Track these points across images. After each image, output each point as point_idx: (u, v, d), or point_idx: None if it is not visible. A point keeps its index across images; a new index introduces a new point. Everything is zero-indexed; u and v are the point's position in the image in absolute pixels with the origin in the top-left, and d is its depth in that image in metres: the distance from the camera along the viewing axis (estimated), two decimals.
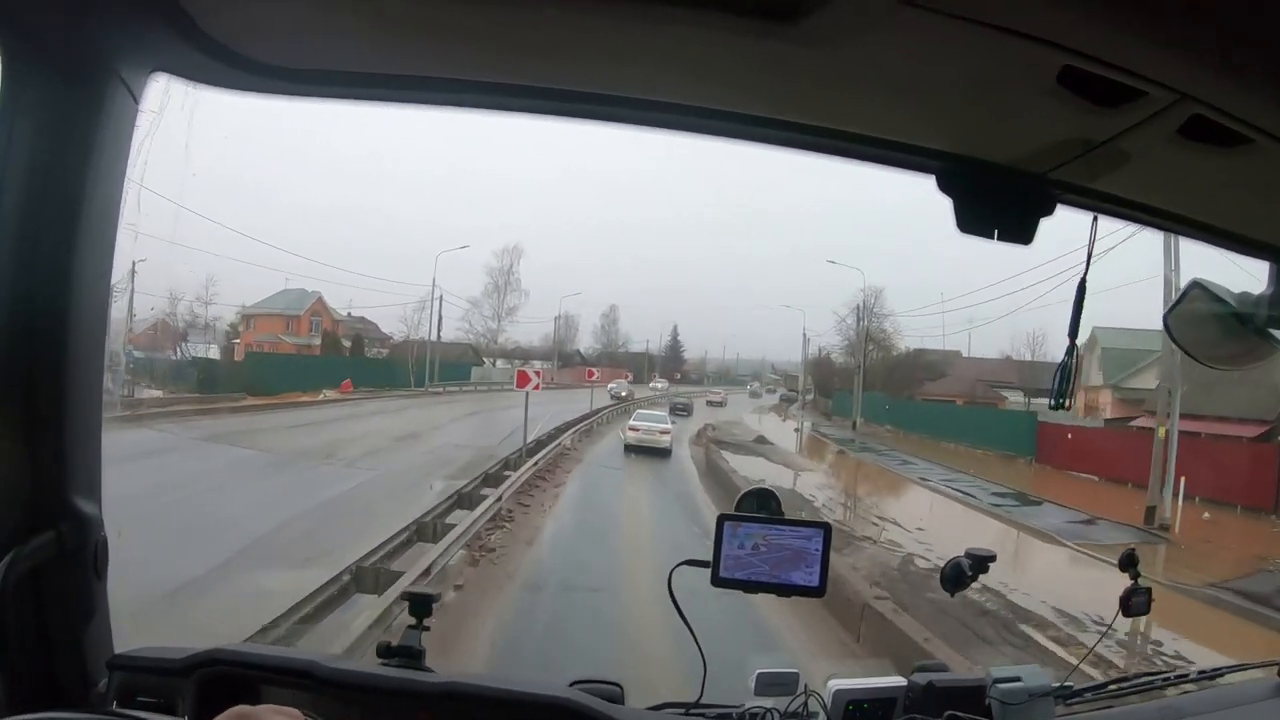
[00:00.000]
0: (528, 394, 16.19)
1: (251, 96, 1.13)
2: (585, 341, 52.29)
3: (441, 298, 36.91)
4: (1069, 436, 24.68)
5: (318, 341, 36.16)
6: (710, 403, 41.83)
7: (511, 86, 1.11)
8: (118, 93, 1.10)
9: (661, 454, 19.72)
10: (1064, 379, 1.27)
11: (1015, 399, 34.17)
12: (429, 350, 35.58)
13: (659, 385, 41.92)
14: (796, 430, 34.22)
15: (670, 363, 55.47)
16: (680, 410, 32.10)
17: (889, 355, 41.24)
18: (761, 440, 26.81)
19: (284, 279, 34.92)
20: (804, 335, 44.62)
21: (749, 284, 74.11)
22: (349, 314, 38.85)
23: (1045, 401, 30.48)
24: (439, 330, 36.91)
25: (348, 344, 37.00)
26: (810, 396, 48.74)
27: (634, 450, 19.86)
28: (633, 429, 20.96)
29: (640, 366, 51.17)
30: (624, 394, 37.87)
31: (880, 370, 40.81)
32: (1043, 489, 20.10)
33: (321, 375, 29.69)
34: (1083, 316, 1.28)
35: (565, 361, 47.81)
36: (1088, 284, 1.27)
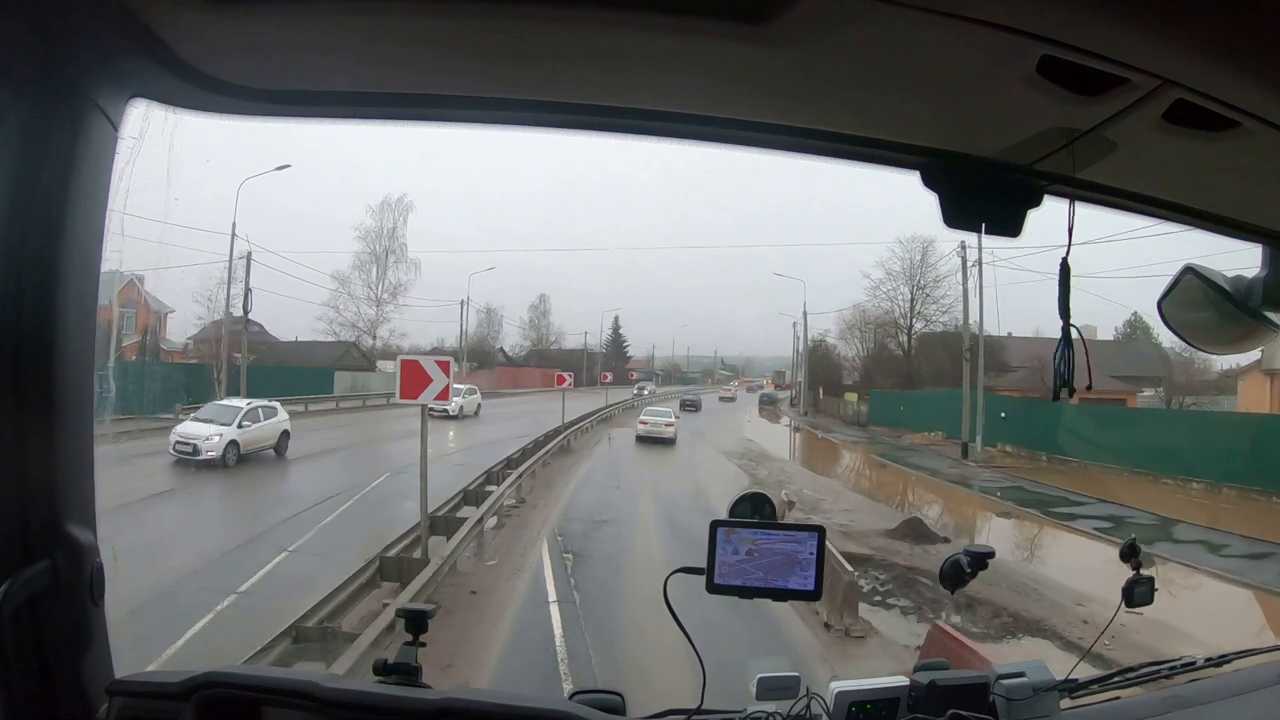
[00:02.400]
0: None
1: (231, 119, 1.54)
2: (511, 338, 52.46)
3: (250, 259, 32.76)
4: None
5: (129, 340, 34.18)
6: (722, 399, 54.16)
7: (485, 99, 1.50)
8: (96, 121, 1.47)
9: (668, 445, 29.78)
10: (1068, 366, 1.60)
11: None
12: (224, 349, 33.18)
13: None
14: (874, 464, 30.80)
15: (612, 359, 57.12)
16: (690, 406, 44.76)
17: (942, 337, 39.00)
18: (919, 527, 18.52)
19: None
20: (804, 313, 43.90)
21: (700, 272, 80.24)
22: (229, 312, 36.85)
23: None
24: (245, 312, 33.53)
25: (134, 341, 35.24)
26: (791, 394, 50.03)
27: (645, 440, 30.27)
28: (643, 423, 31.88)
29: (578, 365, 51.70)
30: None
31: (927, 358, 39.16)
32: None
33: None
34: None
35: (483, 361, 47.32)
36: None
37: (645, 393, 50.71)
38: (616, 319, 59.73)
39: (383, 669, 1.88)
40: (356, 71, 1.43)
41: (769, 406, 51.23)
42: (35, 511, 1.49)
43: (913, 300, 41.42)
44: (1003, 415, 30.52)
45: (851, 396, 43.80)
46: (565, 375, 34.16)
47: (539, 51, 1.30)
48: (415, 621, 1.99)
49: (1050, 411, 28.87)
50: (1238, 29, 1.03)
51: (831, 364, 46.51)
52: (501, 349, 50.92)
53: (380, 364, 43.44)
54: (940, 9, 1.05)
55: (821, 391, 46.23)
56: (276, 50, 1.36)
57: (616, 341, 60.85)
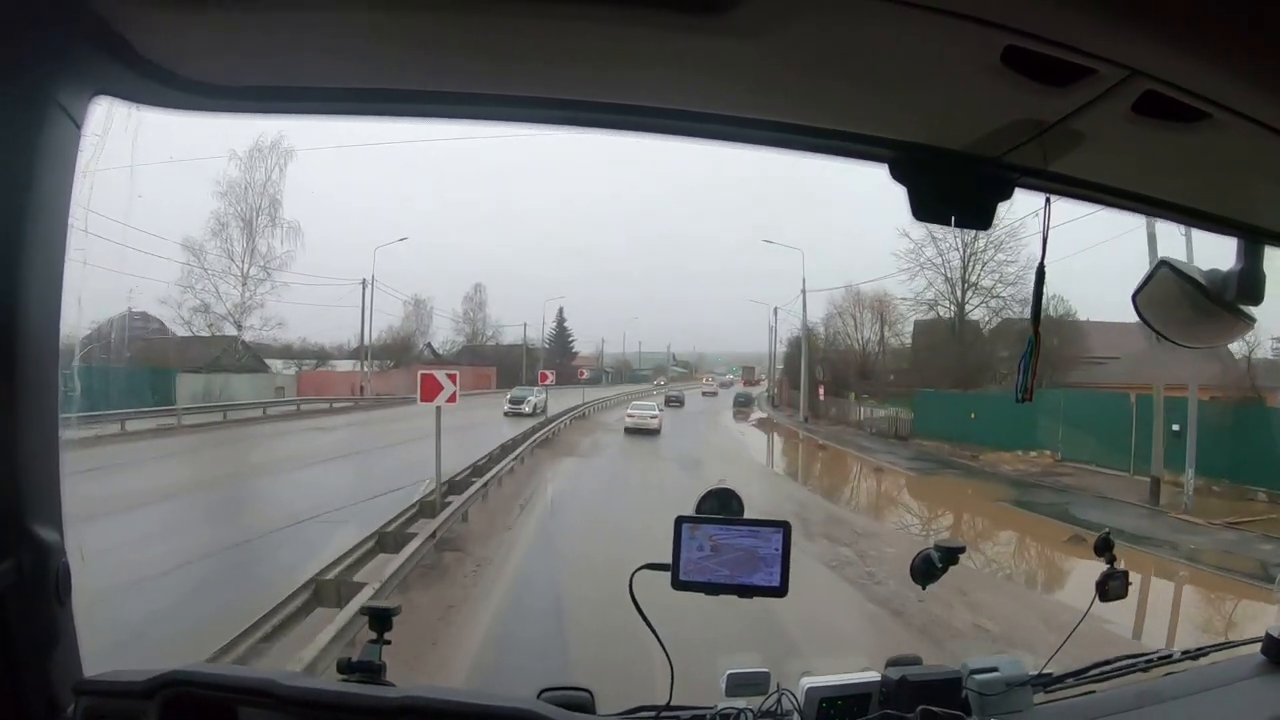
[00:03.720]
0: None
1: (196, 115, 1.77)
2: (444, 332, 52.13)
3: None
4: None
5: None
6: (705, 394, 60.91)
7: (445, 94, 1.72)
8: (58, 119, 1.70)
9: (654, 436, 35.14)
10: (1027, 371, 1.96)
11: None
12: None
13: None
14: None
15: (556, 355, 57.89)
16: (674, 402, 52.02)
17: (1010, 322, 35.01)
18: None
19: None
20: (803, 290, 41.99)
21: (654, 260, 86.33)
22: (129, 309, 34.99)
23: None
24: None
25: None
26: (771, 393, 50.87)
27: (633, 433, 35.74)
28: (630, 416, 38.67)
29: (515, 363, 51.15)
30: None
31: (988, 347, 35.32)
32: None
33: None
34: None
35: (399, 359, 46.68)
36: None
37: (529, 408, 42.46)
38: (561, 311, 60.82)
39: (346, 667, 2.20)
40: (321, 68, 1.66)
41: (744, 408, 51.67)
42: None
43: (965, 270, 38.07)
44: (1175, 429, 23.91)
45: (843, 395, 41.01)
46: (442, 379, 17.61)
47: (500, 46, 1.50)
48: (380, 619, 2.31)
49: (1253, 423, 23.25)
50: (1205, 18, 1.18)
51: (833, 357, 44.97)
52: (429, 345, 50.46)
53: (274, 364, 41.12)
54: None
55: (823, 391, 44.09)
56: (242, 47, 1.58)
57: (561, 336, 62.03)
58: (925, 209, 1.83)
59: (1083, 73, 1.35)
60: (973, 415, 33.26)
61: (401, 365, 46.68)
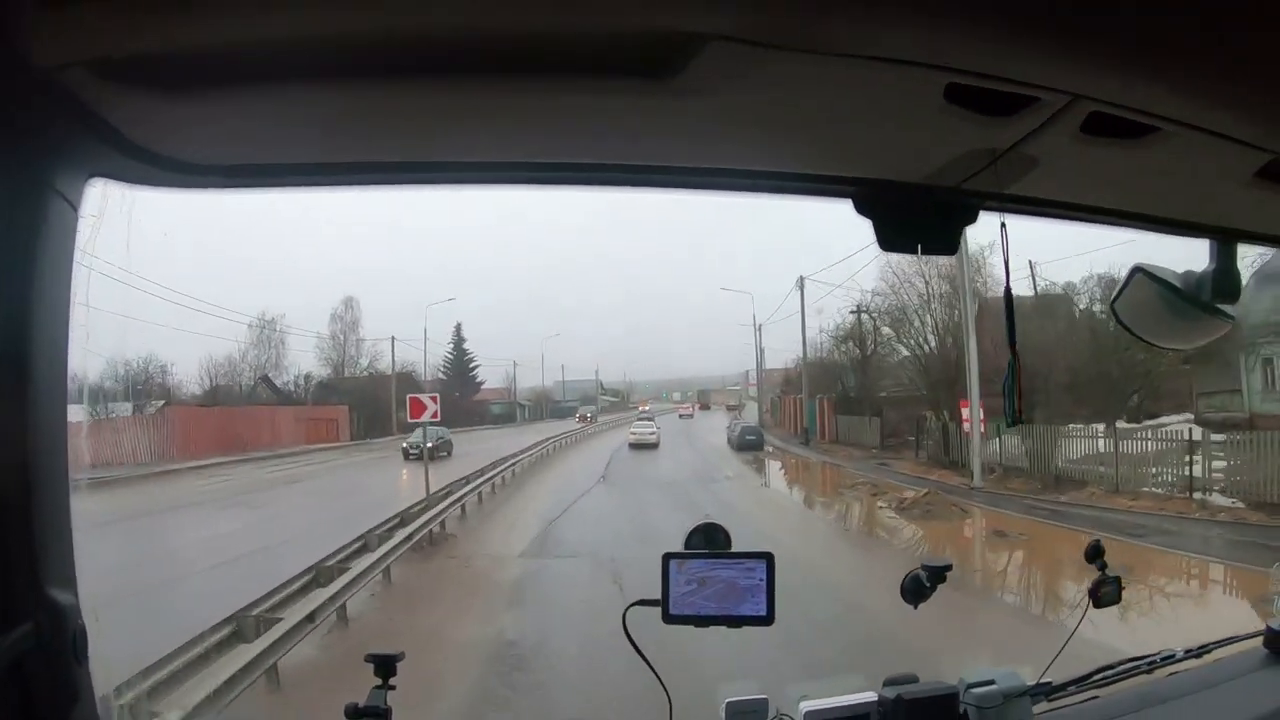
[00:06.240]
0: None
1: (191, 193, 2.10)
2: (306, 361, 48.22)
3: None
4: None
5: None
6: (682, 415, 69.55)
7: (420, 163, 2.04)
8: (55, 205, 1.96)
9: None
10: (1012, 394, 2.25)
11: None
12: None
13: None
14: None
15: (454, 385, 53.99)
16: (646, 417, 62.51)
17: None
18: None
19: None
20: (962, 250, 29.50)
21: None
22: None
23: None
24: None
25: None
26: (744, 413, 50.60)
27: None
28: (634, 434, 51.29)
29: (387, 397, 47.34)
30: None
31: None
32: None
33: None
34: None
35: (207, 397, 42.40)
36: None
37: None
38: (459, 328, 57.19)
39: (353, 713, 2.60)
40: (303, 143, 1.97)
41: (755, 451, 47.01)
42: (15, 575, 2.01)
43: None
44: None
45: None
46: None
47: (474, 116, 1.80)
48: (383, 665, 2.71)
49: None
50: (1135, 41, 1.41)
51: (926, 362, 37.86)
52: (265, 378, 47.01)
53: None
54: (840, 51, 1.45)
55: (944, 418, 34.46)
56: (232, 130, 1.86)
57: (459, 360, 58.08)
58: (890, 240, 2.16)
59: (1026, 101, 1.63)
60: None
61: (145, 409, 42.11)
